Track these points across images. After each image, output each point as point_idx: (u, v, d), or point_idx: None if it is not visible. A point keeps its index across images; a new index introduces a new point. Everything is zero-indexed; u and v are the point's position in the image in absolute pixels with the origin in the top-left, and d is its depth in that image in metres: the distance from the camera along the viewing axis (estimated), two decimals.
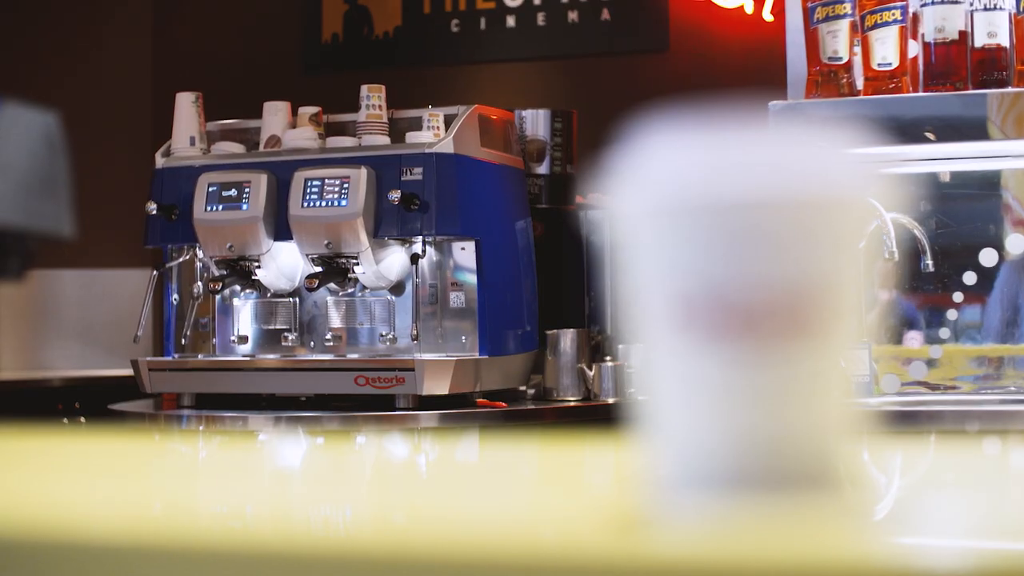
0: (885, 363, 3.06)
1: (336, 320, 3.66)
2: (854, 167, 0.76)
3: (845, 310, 0.74)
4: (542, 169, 3.87)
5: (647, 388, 0.75)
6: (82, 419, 4.19)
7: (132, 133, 5.14)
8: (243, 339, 3.74)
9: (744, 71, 4.36)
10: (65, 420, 4.17)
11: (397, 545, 0.67)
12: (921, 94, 3.05)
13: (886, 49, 3.07)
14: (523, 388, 3.72)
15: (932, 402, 3.01)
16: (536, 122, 3.93)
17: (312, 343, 3.70)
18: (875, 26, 3.08)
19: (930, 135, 2.95)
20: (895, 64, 3.07)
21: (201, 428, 3.47)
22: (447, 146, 3.55)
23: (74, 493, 0.90)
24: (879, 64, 3.08)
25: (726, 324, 0.73)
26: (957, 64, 3.04)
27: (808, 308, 0.73)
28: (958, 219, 3.10)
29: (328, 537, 0.69)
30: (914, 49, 3.12)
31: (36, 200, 1.33)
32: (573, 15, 4.74)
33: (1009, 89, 2.98)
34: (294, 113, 3.78)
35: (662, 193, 0.74)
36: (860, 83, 3.10)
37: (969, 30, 3.04)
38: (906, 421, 2.75)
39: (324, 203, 3.53)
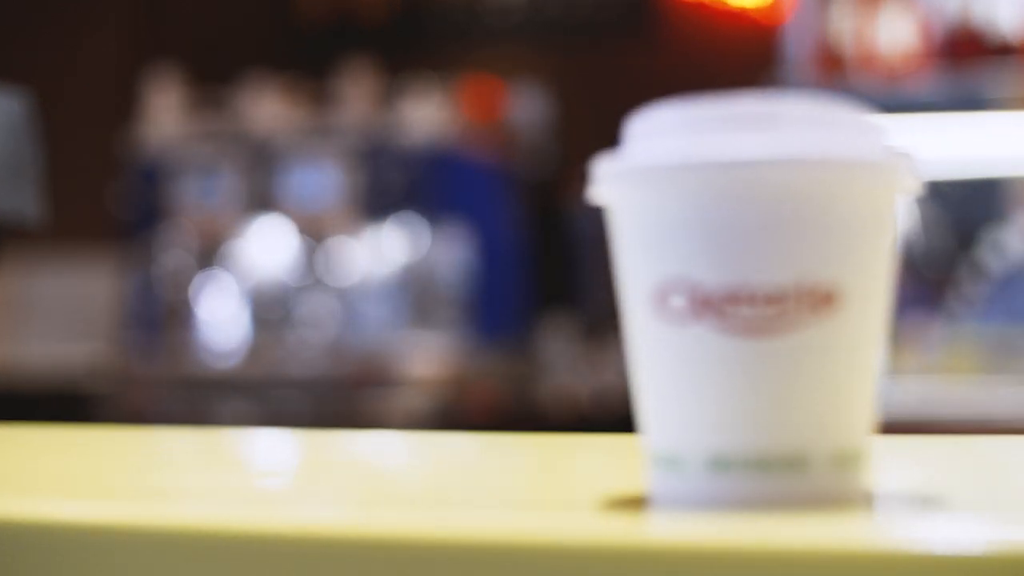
0: (887, 357, 3.03)
1: (324, 307, 3.59)
2: (878, 133, 0.71)
3: (864, 292, 0.69)
4: (535, 153, 3.83)
5: (637, 371, 0.71)
6: (53, 410, 4.11)
7: (103, 112, 5.02)
8: (225, 326, 3.66)
9: (742, 55, 4.31)
10: (35, 412, 4.09)
11: (388, 536, 0.64)
12: (927, 77, 3.03)
13: (891, 32, 3.05)
14: (516, 374, 3.67)
15: (935, 396, 2.98)
16: (529, 105, 3.89)
17: (298, 329, 3.63)
18: (880, 8, 3.06)
19: (936, 118, 2.95)
20: (901, 47, 3.05)
21: (179, 419, 3.39)
22: (438, 129, 3.50)
23: (49, 487, 0.89)
24: (884, 47, 3.05)
25: (717, 305, 0.68)
26: (964, 47, 3.02)
27: (823, 288, 0.68)
28: (964, 206, 3.09)
29: (313, 530, 0.66)
30: (919, 34, 3.09)
31: (4, 186, 1.28)
32: (564, 3, 4.71)
33: (1016, 72, 2.98)
34: (280, 93, 3.72)
35: (650, 154, 0.69)
36: (861, 69, 3.07)
37: (977, 14, 3.02)
38: (910, 414, 2.73)
39: (311, 188, 3.48)
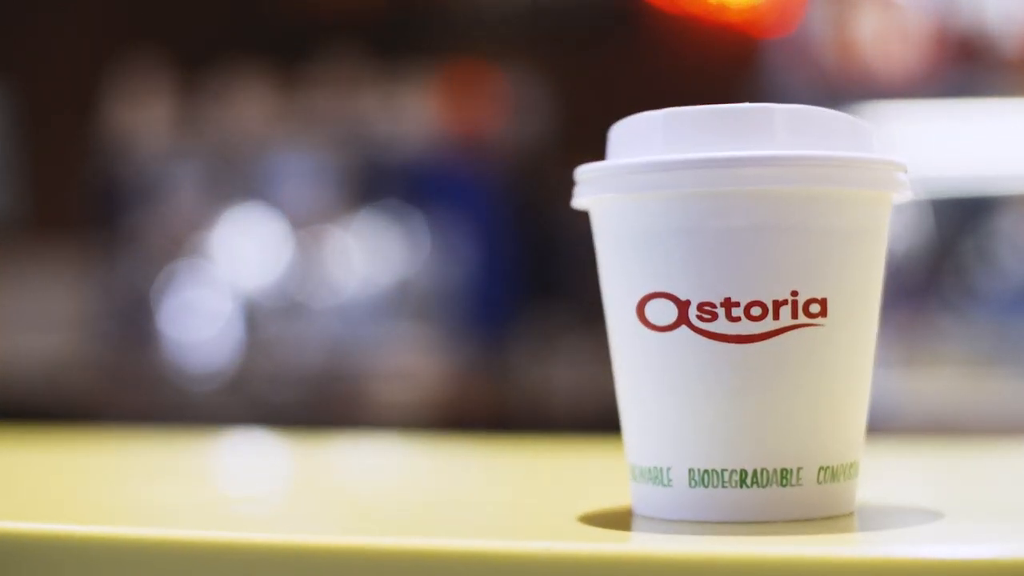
0: (883, 357, 3.03)
1: (306, 312, 3.55)
2: (869, 137, 0.69)
3: (854, 299, 0.67)
4: (525, 154, 3.82)
5: (619, 380, 0.69)
6: (24, 408, 4.02)
7: (75, 99, 4.91)
8: (203, 321, 3.60)
9: (729, 62, 4.31)
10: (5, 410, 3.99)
11: (378, 543, 0.62)
12: (919, 77, 3.04)
13: (881, 36, 3.06)
14: (506, 373, 3.65)
15: (930, 395, 2.97)
16: (519, 106, 3.89)
17: (281, 337, 3.58)
18: (870, 12, 3.07)
19: (930, 121, 2.96)
20: (890, 52, 3.05)
21: (157, 417, 3.32)
22: (424, 123, 3.49)
23: (31, 494, 0.87)
24: (872, 52, 3.06)
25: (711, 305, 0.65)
26: (958, 48, 3.03)
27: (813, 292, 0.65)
28: (961, 204, 3.10)
29: (286, 547, 0.64)
30: (910, 38, 3.10)
31: None
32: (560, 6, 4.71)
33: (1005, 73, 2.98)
34: (263, 82, 3.69)
35: (631, 160, 0.67)
36: (850, 73, 3.08)
37: (970, 17, 3.03)
38: (903, 418, 2.73)
39: (296, 181, 3.45)
